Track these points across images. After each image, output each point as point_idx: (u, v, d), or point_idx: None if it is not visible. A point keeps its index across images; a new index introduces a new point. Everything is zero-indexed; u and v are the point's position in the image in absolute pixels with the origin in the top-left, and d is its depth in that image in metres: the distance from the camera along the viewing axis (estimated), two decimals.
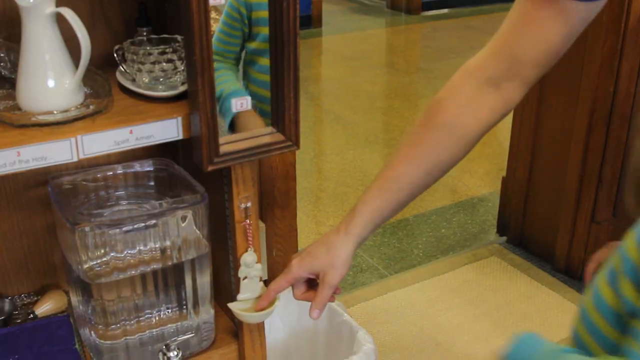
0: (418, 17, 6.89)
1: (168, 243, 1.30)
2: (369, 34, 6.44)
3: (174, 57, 1.26)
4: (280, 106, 1.20)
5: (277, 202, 1.83)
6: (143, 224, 1.26)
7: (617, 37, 2.45)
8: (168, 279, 1.33)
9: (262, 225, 1.83)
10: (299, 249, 2.05)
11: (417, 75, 5.33)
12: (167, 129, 1.19)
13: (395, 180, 1.18)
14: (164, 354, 1.32)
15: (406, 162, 1.18)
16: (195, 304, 1.36)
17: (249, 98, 1.18)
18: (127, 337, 1.32)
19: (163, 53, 1.26)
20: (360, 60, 5.59)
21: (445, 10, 7.34)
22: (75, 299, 1.37)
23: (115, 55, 1.31)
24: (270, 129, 1.24)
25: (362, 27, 6.61)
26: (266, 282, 1.34)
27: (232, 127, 1.73)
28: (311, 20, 6.36)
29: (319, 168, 3.82)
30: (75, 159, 1.14)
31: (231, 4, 1.93)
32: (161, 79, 1.27)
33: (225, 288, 1.43)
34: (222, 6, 1.92)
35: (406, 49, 6.09)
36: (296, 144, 1.23)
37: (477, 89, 1.13)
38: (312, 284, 1.25)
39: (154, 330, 1.35)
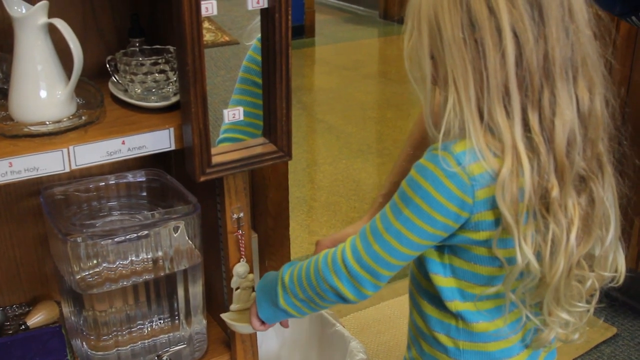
0: None
1: (160, 253, 1.29)
2: (361, 44, 6.45)
3: (167, 67, 1.27)
4: (272, 117, 1.21)
5: (269, 212, 1.83)
6: (135, 235, 1.25)
7: (606, 49, 2.46)
8: (160, 290, 1.32)
9: (254, 235, 1.83)
10: (291, 259, 2.05)
11: (410, 84, 5.34)
12: (160, 140, 1.19)
13: (402, 174, 1.28)
14: None
15: (407, 157, 1.32)
16: (188, 315, 1.36)
17: (241, 109, 1.18)
18: (119, 348, 1.32)
19: (155, 64, 1.26)
20: (353, 70, 5.60)
21: None
22: (67, 309, 1.36)
23: (107, 66, 1.31)
24: (262, 139, 1.24)
25: (354, 37, 6.62)
26: None
27: None
28: (304, 30, 6.36)
29: (311, 178, 3.82)
30: (67, 170, 1.14)
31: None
32: (153, 90, 1.27)
33: (217, 298, 1.43)
34: (215, 17, 1.92)
35: (399, 58, 6.08)
36: (288, 154, 1.24)
37: None
38: None
39: (146, 341, 1.34)
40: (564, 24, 0.94)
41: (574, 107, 0.95)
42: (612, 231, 1.04)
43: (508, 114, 0.94)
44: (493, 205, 0.96)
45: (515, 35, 0.92)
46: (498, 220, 0.97)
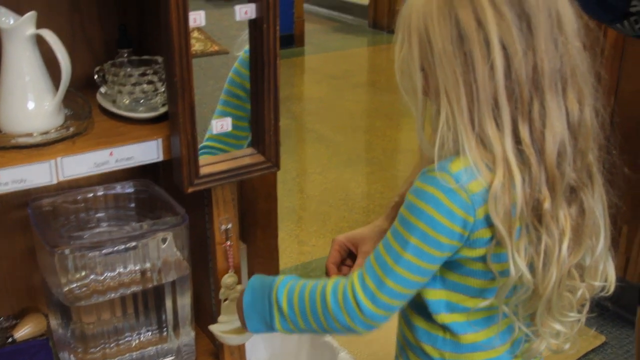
0: None
1: (148, 265, 1.29)
2: (351, 53, 6.46)
3: (155, 78, 1.26)
4: (260, 127, 1.20)
5: (258, 222, 1.83)
6: (123, 246, 1.25)
7: (595, 59, 2.48)
8: (148, 301, 1.32)
9: (243, 246, 1.82)
10: (280, 269, 2.05)
11: (399, 94, 5.34)
12: (148, 151, 1.19)
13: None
14: None
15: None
16: (176, 326, 1.35)
17: (229, 119, 1.18)
18: None
19: (143, 74, 1.26)
20: (342, 79, 5.60)
21: None
22: (54, 322, 1.35)
23: (95, 76, 1.30)
24: (250, 150, 1.24)
25: (344, 46, 6.63)
26: None
27: None
28: (293, 40, 6.37)
29: (301, 187, 3.82)
30: (54, 181, 1.13)
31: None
32: (142, 101, 1.27)
33: (205, 310, 1.42)
34: (204, 26, 1.92)
35: (388, 67, 6.10)
36: (276, 165, 1.24)
37: None
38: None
39: (134, 353, 1.33)
40: (552, 36, 0.94)
41: (564, 118, 0.96)
42: (602, 241, 1.04)
43: (498, 126, 0.94)
44: (489, 223, 0.96)
45: (504, 47, 0.92)
46: (493, 237, 0.97)
